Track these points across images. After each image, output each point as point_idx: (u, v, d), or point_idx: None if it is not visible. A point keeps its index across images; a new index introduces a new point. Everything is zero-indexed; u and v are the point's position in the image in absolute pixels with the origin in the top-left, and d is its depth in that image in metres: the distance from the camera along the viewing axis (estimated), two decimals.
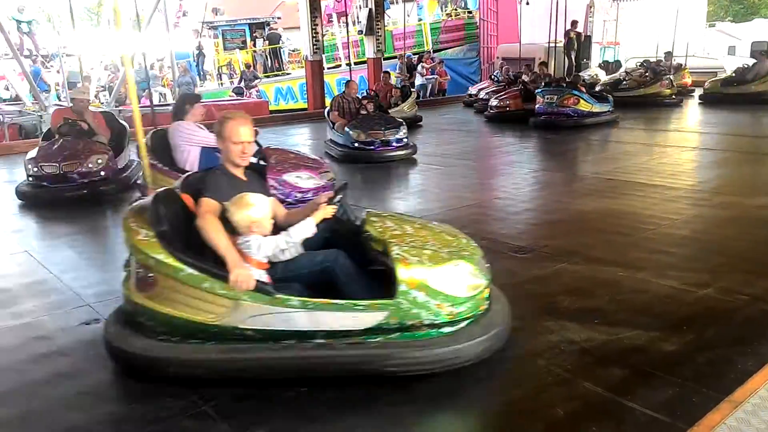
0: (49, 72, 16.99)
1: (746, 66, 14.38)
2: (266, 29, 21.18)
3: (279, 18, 22.68)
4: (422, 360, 2.71)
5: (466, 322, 2.83)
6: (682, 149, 9.04)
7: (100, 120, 7.32)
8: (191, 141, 5.30)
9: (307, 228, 2.83)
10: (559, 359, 2.94)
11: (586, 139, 10.46)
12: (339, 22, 20.91)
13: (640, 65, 15.47)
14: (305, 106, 16.63)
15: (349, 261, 2.88)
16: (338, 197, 3.07)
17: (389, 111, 10.89)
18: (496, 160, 9.16)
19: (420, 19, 21.72)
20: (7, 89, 15.84)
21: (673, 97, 14.32)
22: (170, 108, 12.38)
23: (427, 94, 17.76)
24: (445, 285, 2.78)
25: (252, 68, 19.34)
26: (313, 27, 14.53)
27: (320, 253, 2.91)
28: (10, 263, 4.73)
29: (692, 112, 13.75)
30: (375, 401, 2.66)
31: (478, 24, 21.05)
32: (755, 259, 4.31)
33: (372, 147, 8.54)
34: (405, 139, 8.79)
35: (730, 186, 6.70)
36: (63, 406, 2.71)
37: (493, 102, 12.88)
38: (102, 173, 6.76)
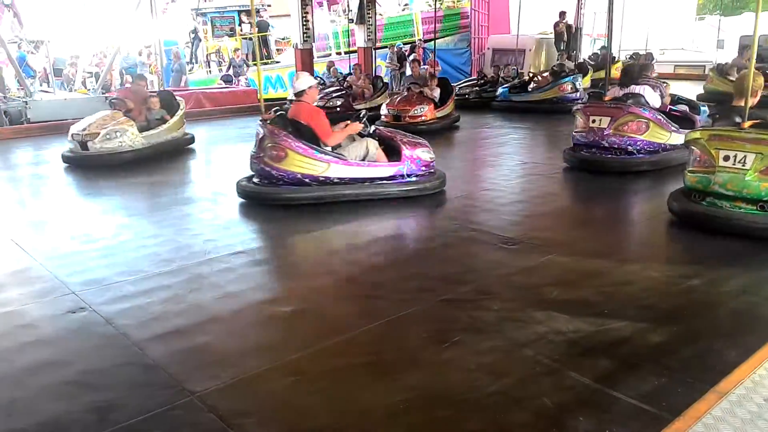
0: (35, 56, 16.72)
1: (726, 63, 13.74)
2: (256, 16, 21.02)
3: (269, 5, 22.48)
4: None
5: None
6: None
7: None
8: (656, 105, 6.79)
9: None
10: (547, 349, 2.96)
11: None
12: (330, 10, 20.77)
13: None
14: None
15: None
16: None
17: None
18: None
19: (407, 4, 21.53)
20: None
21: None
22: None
23: None
24: None
25: (242, 56, 19.17)
26: (304, 15, 14.40)
27: None
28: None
29: None
30: None
31: (468, 14, 20.96)
32: None
33: None
34: None
35: None
36: (48, 395, 2.68)
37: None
38: None
